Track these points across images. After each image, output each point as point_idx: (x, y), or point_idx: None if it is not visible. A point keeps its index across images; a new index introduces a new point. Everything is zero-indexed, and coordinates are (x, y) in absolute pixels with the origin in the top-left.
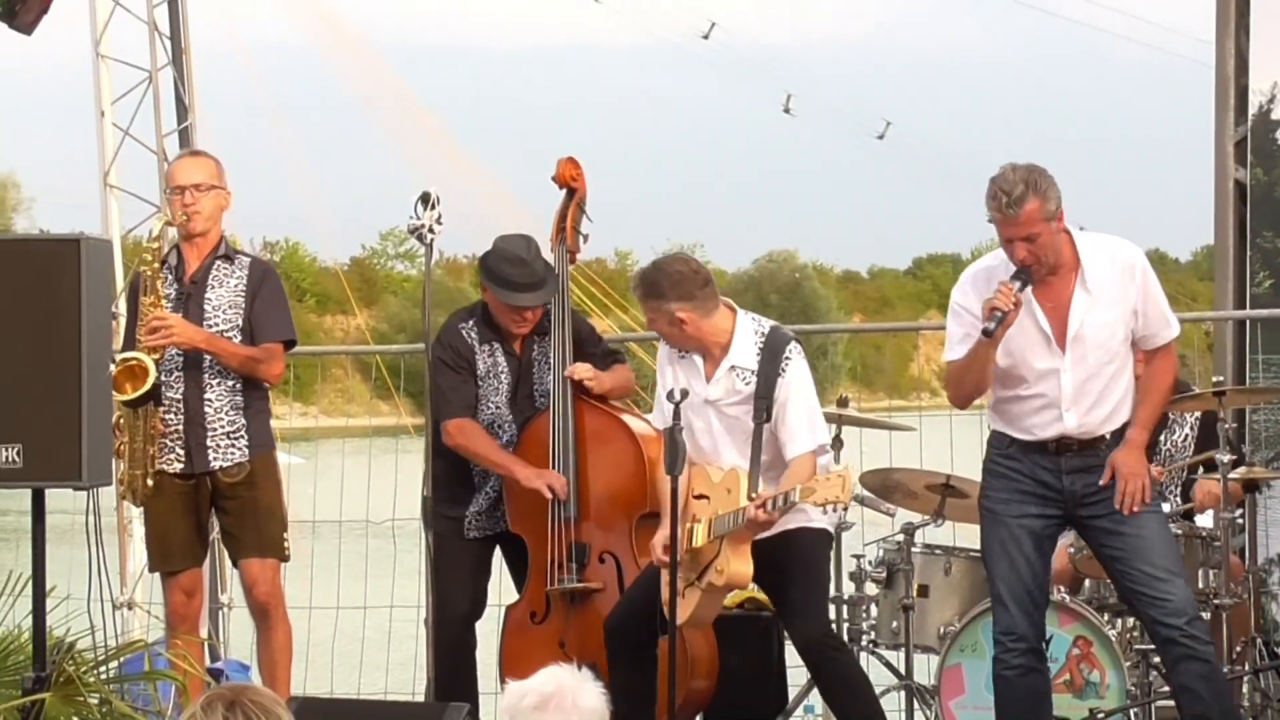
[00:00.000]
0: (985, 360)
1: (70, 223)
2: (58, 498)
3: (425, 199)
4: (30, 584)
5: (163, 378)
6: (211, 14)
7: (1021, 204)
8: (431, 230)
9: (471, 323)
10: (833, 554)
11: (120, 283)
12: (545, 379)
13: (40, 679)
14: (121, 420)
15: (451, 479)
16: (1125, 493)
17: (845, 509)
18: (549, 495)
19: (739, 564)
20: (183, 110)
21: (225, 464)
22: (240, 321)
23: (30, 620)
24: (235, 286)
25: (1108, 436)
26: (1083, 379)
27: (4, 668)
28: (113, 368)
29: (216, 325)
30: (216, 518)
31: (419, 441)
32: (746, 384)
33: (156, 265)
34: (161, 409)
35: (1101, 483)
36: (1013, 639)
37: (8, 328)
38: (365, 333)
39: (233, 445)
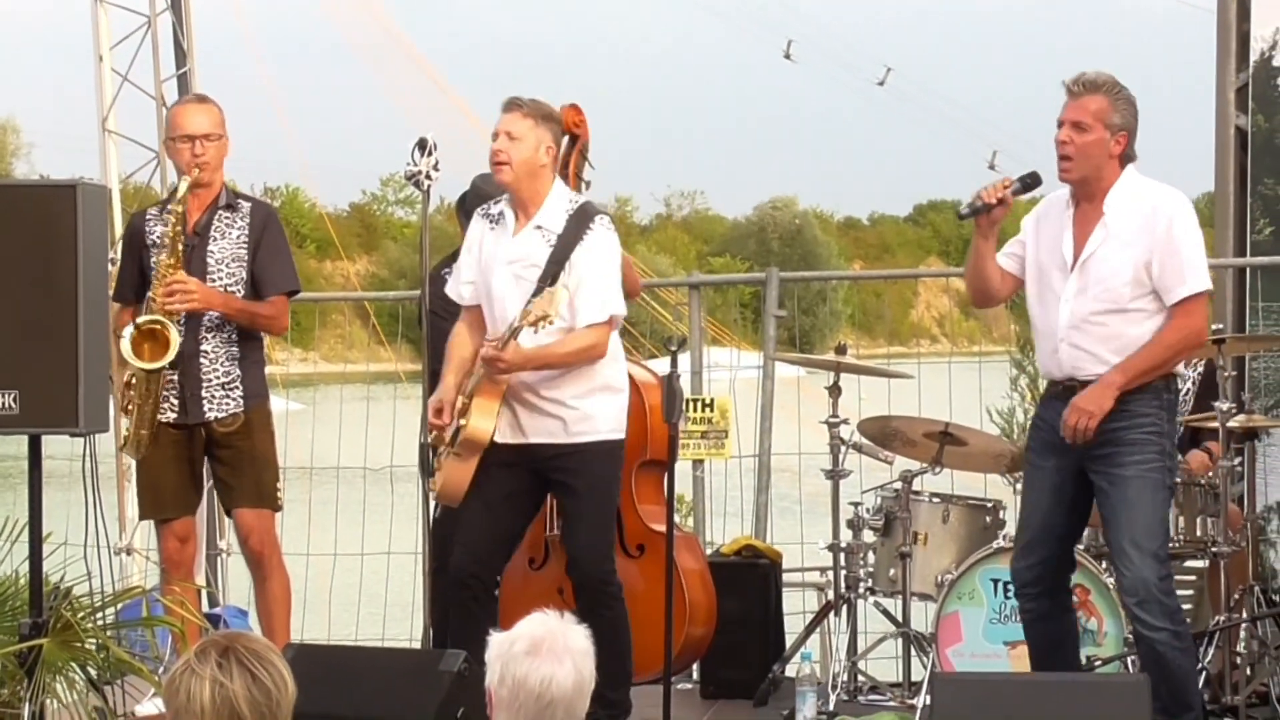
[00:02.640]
0: (975, 250)
1: (70, 167)
2: (56, 444)
3: (422, 145)
4: (27, 530)
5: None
6: None
7: (1089, 90)
8: (429, 176)
9: (454, 266)
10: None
11: (119, 228)
12: None
13: (38, 625)
14: (133, 379)
15: None
16: (1066, 424)
17: (551, 323)
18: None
19: (478, 419)
20: (181, 56)
21: (220, 415)
22: (244, 274)
23: (28, 566)
24: (238, 237)
25: None
26: (1080, 313)
27: (1, 613)
28: (132, 329)
29: (219, 279)
30: (211, 466)
31: (417, 387)
32: (549, 245)
33: (179, 228)
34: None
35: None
36: (1019, 584)
37: (4, 274)
38: (355, 280)
39: (227, 396)
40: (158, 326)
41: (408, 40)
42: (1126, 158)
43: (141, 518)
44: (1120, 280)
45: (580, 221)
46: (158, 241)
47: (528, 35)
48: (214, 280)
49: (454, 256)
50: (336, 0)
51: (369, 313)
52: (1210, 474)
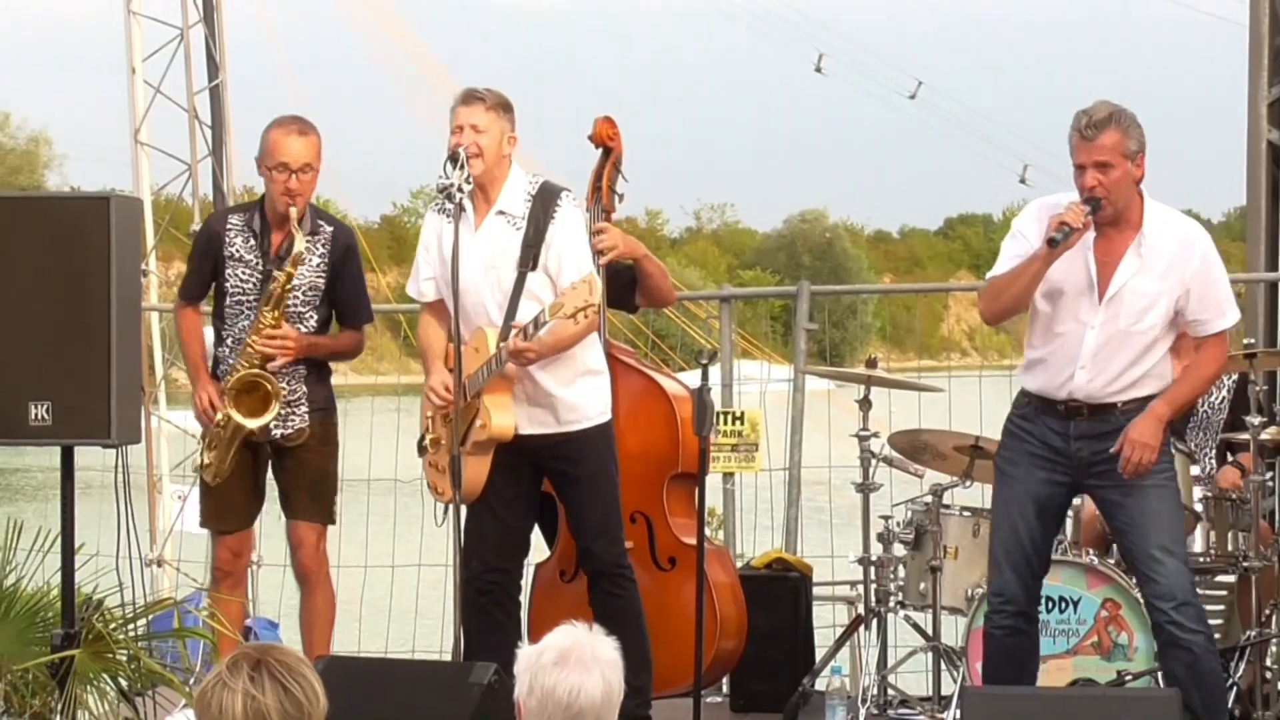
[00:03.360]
0: (1034, 275)
1: (101, 179)
2: (88, 454)
3: (454, 159)
4: (60, 541)
5: (229, 344)
6: None
7: (1102, 128)
8: (460, 190)
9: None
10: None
11: (151, 240)
12: None
13: (69, 635)
14: (226, 419)
15: None
16: (1129, 460)
17: (597, 311)
18: None
19: (500, 416)
20: (213, 68)
21: (286, 432)
22: (318, 302)
23: (60, 577)
24: (317, 265)
25: (1119, 405)
26: (1105, 340)
27: (34, 624)
28: (233, 388)
29: (295, 306)
30: (274, 475)
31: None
32: (517, 229)
33: (288, 285)
34: None
35: (1113, 450)
36: (1001, 600)
37: (38, 285)
38: (386, 291)
39: (293, 413)
40: (260, 381)
41: (432, 55)
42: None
43: (200, 525)
44: (1154, 313)
45: (546, 201)
46: (238, 256)
47: (559, 47)
48: (290, 308)
49: None
50: (365, 16)
51: (400, 324)
52: (1240, 489)
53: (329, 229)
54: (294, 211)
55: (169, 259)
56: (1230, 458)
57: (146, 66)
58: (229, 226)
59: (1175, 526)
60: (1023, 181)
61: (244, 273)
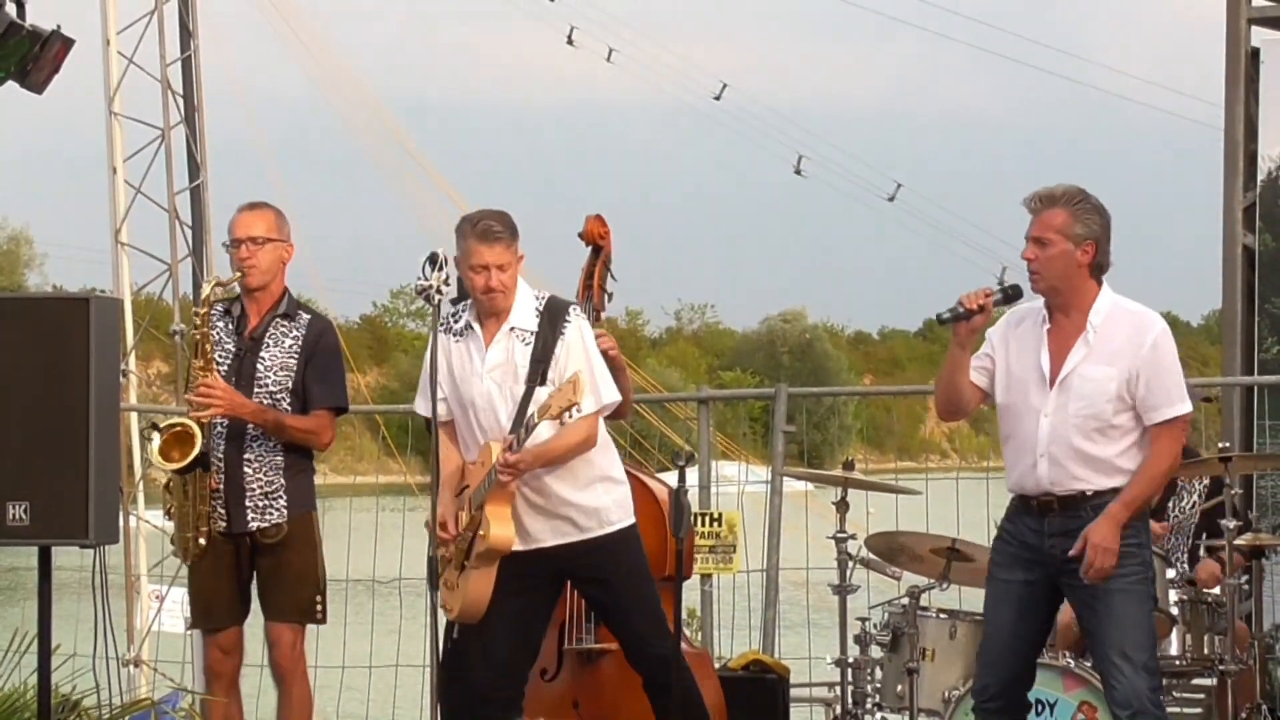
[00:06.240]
0: (953, 361)
1: (82, 279)
2: (65, 554)
3: (433, 260)
4: (36, 640)
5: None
6: (222, 69)
7: (1047, 205)
8: (439, 291)
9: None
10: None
11: (130, 340)
12: None
13: None
14: (170, 483)
15: None
16: (1090, 564)
17: (581, 410)
18: None
19: (498, 527)
20: (194, 168)
21: (264, 525)
22: (291, 384)
23: (36, 678)
24: (290, 347)
25: (1089, 498)
26: (1060, 425)
27: None
28: (157, 437)
29: (267, 386)
30: (256, 573)
31: (427, 499)
32: (526, 345)
33: (205, 329)
34: (214, 469)
35: (1071, 552)
36: (983, 698)
37: (17, 385)
38: (365, 392)
39: (271, 506)
40: (183, 428)
41: (421, 153)
42: (1098, 266)
43: (189, 627)
44: (1104, 397)
45: (555, 317)
46: (218, 340)
47: (539, 147)
48: (260, 387)
49: None
50: (351, 114)
51: (379, 425)
52: (1218, 587)
53: (306, 317)
54: (246, 278)
55: (149, 358)
56: (1203, 555)
57: (128, 167)
58: (213, 321)
59: (1140, 632)
60: (1001, 283)
61: (221, 355)
